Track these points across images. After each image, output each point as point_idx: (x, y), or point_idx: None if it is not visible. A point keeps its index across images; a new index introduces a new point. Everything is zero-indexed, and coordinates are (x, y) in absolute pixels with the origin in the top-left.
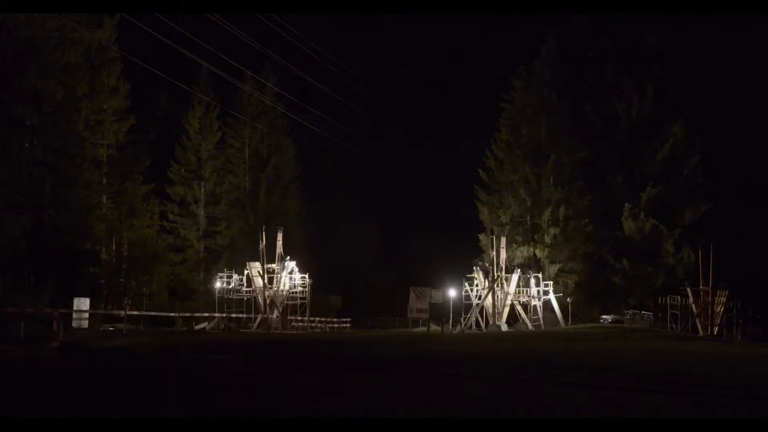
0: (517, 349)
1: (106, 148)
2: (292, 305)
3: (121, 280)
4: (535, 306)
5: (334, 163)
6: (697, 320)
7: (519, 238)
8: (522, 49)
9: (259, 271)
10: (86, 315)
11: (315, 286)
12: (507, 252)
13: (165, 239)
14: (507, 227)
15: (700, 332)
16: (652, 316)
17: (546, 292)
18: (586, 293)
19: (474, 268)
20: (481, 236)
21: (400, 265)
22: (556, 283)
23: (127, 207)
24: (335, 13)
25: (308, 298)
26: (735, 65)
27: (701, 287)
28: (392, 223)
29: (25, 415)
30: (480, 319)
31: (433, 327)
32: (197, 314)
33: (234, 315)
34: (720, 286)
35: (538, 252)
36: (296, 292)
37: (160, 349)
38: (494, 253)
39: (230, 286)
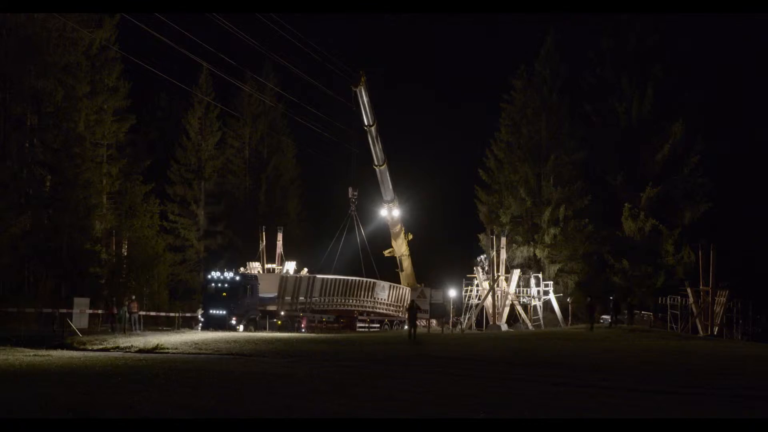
0: (517, 349)
1: (106, 148)
2: None
3: (121, 280)
4: (535, 306)
5: (335, 163)
6: (697, 320)
7: (519, 238)
8: (522, 49)
9: (259, 271)
10: (86, 315)
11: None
12: (507, 252)
13: (165, 239)
14: (507, 227)
15: (700, 332)
16: (651, 316)
17: (546, 292)
18: (586, 293)
19: (474, 268)
20: (481, 236)
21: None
22: (556, 283)
23: (127, 207)
24: (335, 14)
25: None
26: (735, 65)
27: (701, 287)
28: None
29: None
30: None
31: (433, 327)
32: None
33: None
34: (720, 286)
35: (538, 252)
36: None
37: (159, 349)
38: (494, 253)
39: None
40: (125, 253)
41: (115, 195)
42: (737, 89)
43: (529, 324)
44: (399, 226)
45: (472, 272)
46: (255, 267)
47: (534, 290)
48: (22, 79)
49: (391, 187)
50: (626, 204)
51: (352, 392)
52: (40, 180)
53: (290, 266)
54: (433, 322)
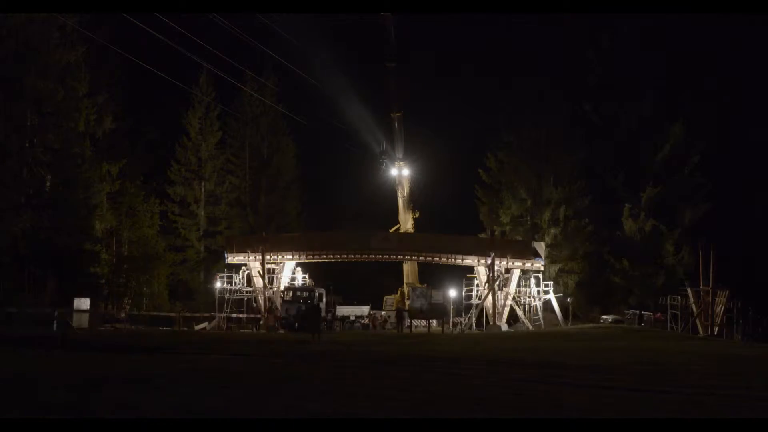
0: (517, 349)
1: (105, 148)
2: None
3: (121, 280)
4: (535, 306)
5: (335, 163)
6: (697, 320)
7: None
8: (522, 49)
9: (259, 271)
10: (86, 315)
11: (315, 286)
12: None
13: (165, 239)
14: (507, 227)
15: (700, 332)
16: (652, 316)
17: (546, 292)
18: (586, 293)
19: (474, 268)
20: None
21: (399, 265)
22: (556, 283)
23: (127, 207)
24: (336, 14)
25: None
26: (735, 65)
27: (701, 287)
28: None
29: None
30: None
31: (434, 327)
32: (197, 314)
33: (235, 315)
34: (720, 286)
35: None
36: None
37: (159, 349)
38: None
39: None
40: (125, 253)
41: (115, 195)
42: (738, 89)
43: (529, 324)
44: (407, 193)
45: (472, 272)
46: (255, 267)
47: (534, 290)
48: (22, 79)
49: (403, 141)
50: (626, 204)
51: (352, 392)
52: (40, 180)
53: (290, 266)
54: (434, 322)
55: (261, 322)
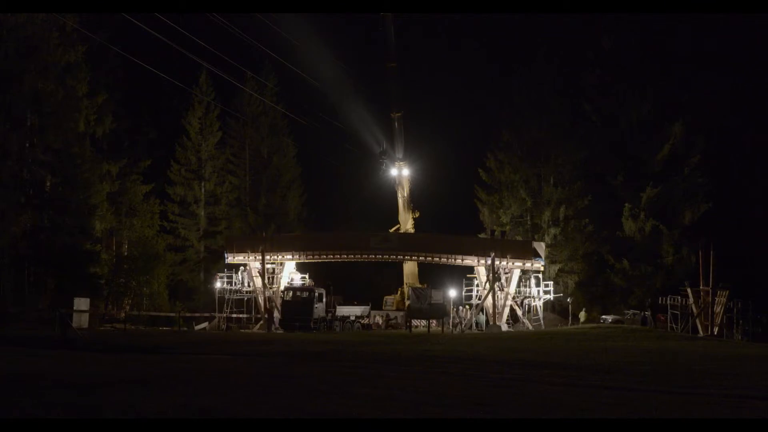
0: (517, 349)
1: (105, 148)
2: None
3: (121, 280)
4: (535, 306)
5: (335, 163)
6: (697, 320)
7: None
8: (522, 49)
9: (259, 271)
10: (86, 315)
11: (315, 286)
12: None
13: (165, 239)
14: (507, 227)
15: (701, 332)
16: (651, 317)
17: (546, 292)
18: (586, 293)
19: (474, 268)
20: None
21: (399, 265)
22: (556, 283)
23: (127, 207)
24: (335, 14)
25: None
26: (735, 65)
27: (701, 287)
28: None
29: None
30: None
31: (434, 327)
32: (197, 314)
33: (234, 315)
34: (720, 286)
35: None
36: None
37: (159, 349)
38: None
39: (232, 287)
40: (125, 253)
41: (115, 195)
42: (738, 89)
43: (529, 324)
44: (407, 193)
45: (472, 272)
46: (255, 267)
47: (534, 290)
48: (22, 79)
49: (403, 141)
50: (626, 204)
51: (352, 392)
52: (40, 180)
53: (290, 266)
54: (434, 322)
55: (260, 322)
